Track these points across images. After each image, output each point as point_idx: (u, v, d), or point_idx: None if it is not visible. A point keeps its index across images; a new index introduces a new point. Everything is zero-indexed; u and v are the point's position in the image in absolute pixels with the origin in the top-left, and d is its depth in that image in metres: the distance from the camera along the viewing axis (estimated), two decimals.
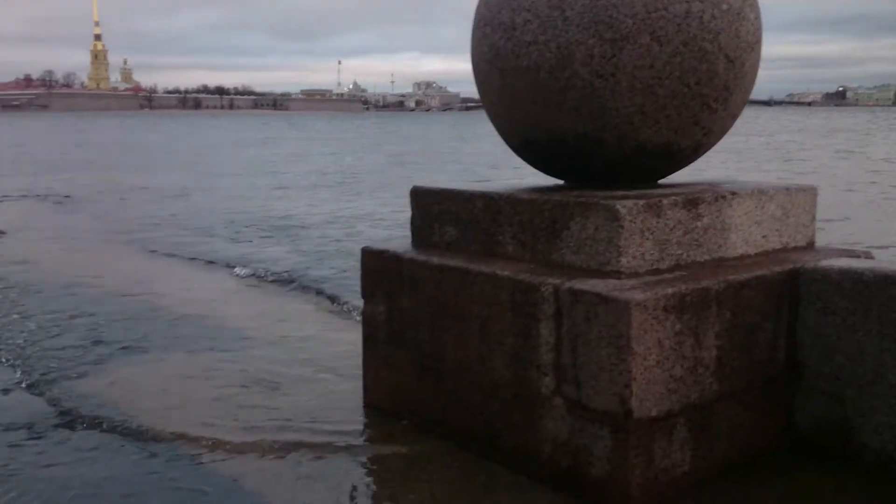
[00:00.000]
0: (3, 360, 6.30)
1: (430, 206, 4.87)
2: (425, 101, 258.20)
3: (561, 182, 4.90)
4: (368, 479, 4.25)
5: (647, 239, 3.97)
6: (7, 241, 12.29)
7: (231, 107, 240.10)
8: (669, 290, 3.77)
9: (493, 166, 27.11)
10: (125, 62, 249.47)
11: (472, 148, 42.57)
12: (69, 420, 5.03)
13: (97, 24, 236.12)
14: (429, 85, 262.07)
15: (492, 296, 4.18)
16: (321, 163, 32.47)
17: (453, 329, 4.45)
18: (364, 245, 5.17)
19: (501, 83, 4.49)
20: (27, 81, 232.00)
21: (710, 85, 4.26)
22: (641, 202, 3.95)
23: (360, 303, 5.21)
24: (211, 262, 10.37)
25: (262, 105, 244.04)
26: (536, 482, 4.04)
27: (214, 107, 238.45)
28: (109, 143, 51.95)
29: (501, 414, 4.22)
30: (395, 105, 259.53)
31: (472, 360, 4.35)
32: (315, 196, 19.63)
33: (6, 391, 5.61)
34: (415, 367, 4.74)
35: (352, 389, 5.43)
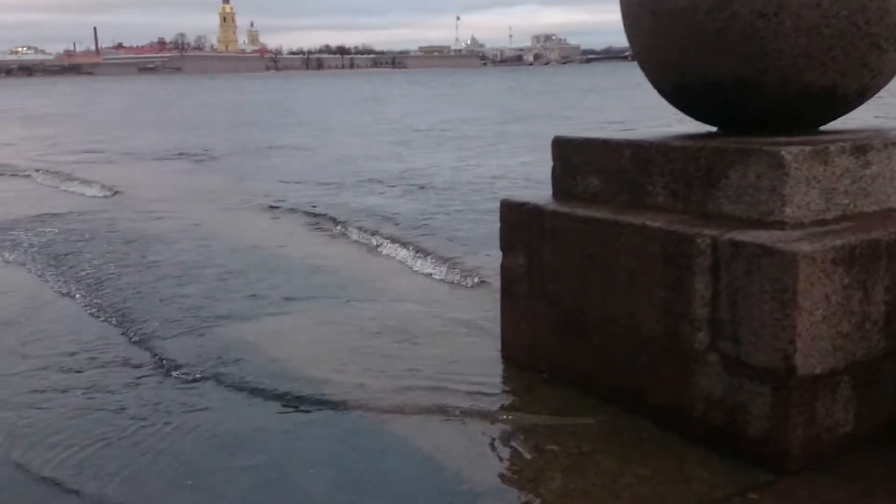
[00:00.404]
0: (141, 313, 6.59)
1: (572, 156, 4.74)
2: (544, 54, 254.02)
3: (713, 129, 4.66)
4: (514, 434, 4.23)
5: (813, 188, 3.73)
6: (148, 196, 12.93)
7: (351, 66, 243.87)
8: (838, 242, 3.54)
9: (620, 121, 26.42)
10: (252, 24, 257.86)
11: (594, 102, 41.64)
12: (216, 373, 5.23)
13: None
14: (548, 38, 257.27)
15: (641, 248, 4.04)
16: (441, 119, 32.52)
17: (598, 282, 4.34)
18: (502, 198, 5.11)
19: (653, 25, 4.29)
20: (161, 45, 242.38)
21: (880, 24, 3.94)
22: (807, 149, 3.70)
23: (487, 260, 5.19)
24: (340, 220, 10.54)
25: (381, 63, 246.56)
26: (687, 439, 3.92)
27: (336, 66, 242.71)
28: (239, 103, 53.76)
29: (649, 369, 4.10)
30: (512, 59, 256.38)
31: (619, 314, 4.24)
32: (438, 151, 19.68)
33: (147, 342, 5.87)
34: (556, 320, 4.67)
35: (485, 343, 5.45)
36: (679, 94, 4.54)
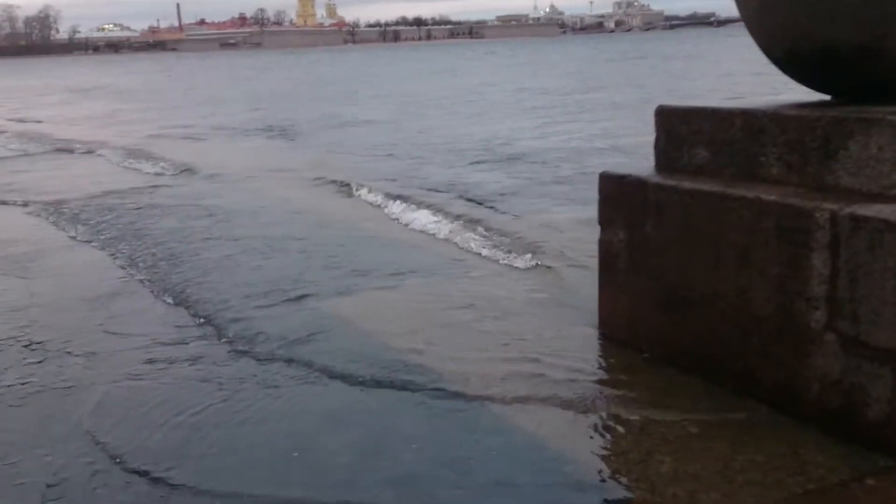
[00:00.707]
0: (231, 287, 6.71)
1: (677, 126, 4.58)
2: (625, 20, 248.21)
3: (827, 98, 4.42)
4: (616, 415, 4.14)
5: None
6: (237, 170, 13.17)
7: (428, 37, 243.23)
8: None
9: (712, 89, 25.61)
10: None
11: (679, 69, 40.46)
12: (312, 349, 5.29)
13: None
14: (629, 3, 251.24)
15: (753, 222, 3.88)
16: (520, 87, 32.14)
17: (705, 258, 4.19)
18: (602, 171, 4.98)
19: None
20: (242, 20, 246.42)
21: None
22: None
23: (578, 236, 5.05)
24: (422, 196, 10.50)
25: (458, 34, 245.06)
26: (800, 421, 3.77)
27: (412, 38, 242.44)
28: (319, 77, 54.28)
29: (760, 349, 3.95)
30: (593, 27, 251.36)
31: (727, 291, 4.08)
32: (519, 121, 19.44)
33: (237, 319, 5.96)
34: (658, 297, 4.55)
35: (581, 319, 5.36)
36: (791, 61, 4.31)
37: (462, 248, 7.72)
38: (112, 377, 4.92)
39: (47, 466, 3.90)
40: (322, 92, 36.26)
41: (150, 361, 5.14)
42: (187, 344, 5.38)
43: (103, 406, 4.54)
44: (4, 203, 10.87)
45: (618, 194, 4.76)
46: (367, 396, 4.54)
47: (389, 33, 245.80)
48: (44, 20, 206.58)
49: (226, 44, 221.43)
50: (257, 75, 60.63)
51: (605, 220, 4.90)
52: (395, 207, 9.52)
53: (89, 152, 16.45)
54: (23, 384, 4.84)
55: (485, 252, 7.50)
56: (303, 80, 50.68)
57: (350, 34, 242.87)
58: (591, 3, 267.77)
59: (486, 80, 40.56)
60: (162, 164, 14.03)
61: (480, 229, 8.33)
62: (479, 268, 7.06)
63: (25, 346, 5.46)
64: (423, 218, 8.90)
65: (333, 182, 11.65)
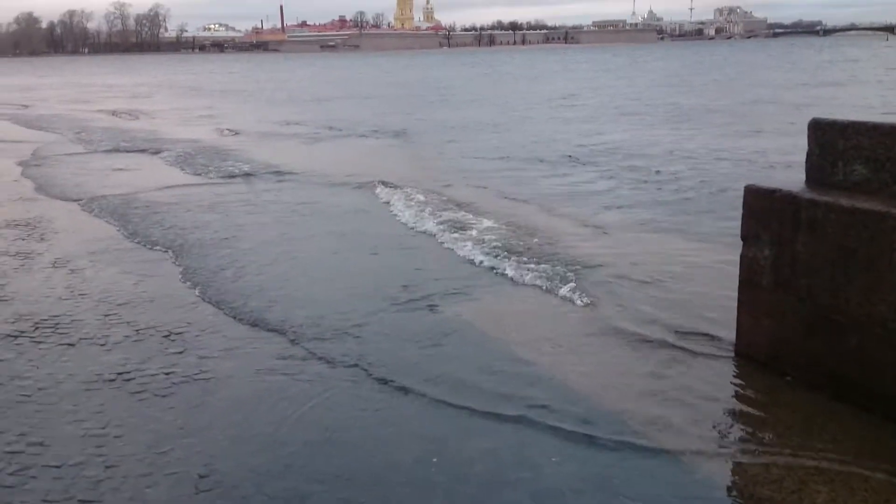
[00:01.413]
0: (347, 292, 6.85)
1: (834, 141, 4.40)
2: (726, 28, 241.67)
3: None
4: (765, 441, 3.99)
5: None
6: (358, 169, 13.35)
7: (523, 42, 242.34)
8: None
9: (833, 98, 24.62)
10: (428, 2, 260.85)
11: (790, 78, 39.09)
12: (444, 355, 5.34)
13: None
14: (731, 10, 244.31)
15: None
16: (619, 94, 31.62)
17: (861, 279, 4.01)
18: (747, 184, 4.82)
19: None
20: (342, 23, 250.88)
21: None
22: None
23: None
24: (541, 202, 10.44)
25: (553, 39, 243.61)
26: None
27: (507, 42, 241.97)
28: (419, 80, 54.72)
29: None
30: (692, 34, 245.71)
31: (886, 315, 3.90)
32: (626, 128, 19.10)
33: (360, 324, 6.06)
34: (807, 317, 4.37)
35: (709, 331, 5.24)
36: None
37: (596, 255, 7.62)
38: (247, 372, 5.06)
39: (197, 456, 4.03)
40: (425, 95, 36.51)
41: (282, 357, 5.27)
42: (324, 340, 5.51)
43: (242, 399, 4.67)
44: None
45: (765, 209, 4.60)
46: (505, 406, 4.51)
47: (485, 37, 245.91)
48: (153, 18, 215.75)
49: (325, 45, 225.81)
50: (359, 76, 61.57)
51: (750, 235, 4.74)
52: (520, 211, 9.49)
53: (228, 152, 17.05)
54: (167, 374, 5.02)
55: (620, 260, 7.37)
56: (406, 82, 51.16)
57: (445, 38, 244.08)
58: (691, 9, 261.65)
59: (588, 85, 40.11)
60: (288, 161, 14.36)
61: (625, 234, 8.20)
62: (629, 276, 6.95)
63: (165, 337, 5.67)
64: (554, 225, 8.85)
65: (455, 185, 11.66)
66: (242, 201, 10.70)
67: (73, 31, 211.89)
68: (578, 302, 6.21)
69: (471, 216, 9.24)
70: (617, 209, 9.86)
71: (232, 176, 12.86)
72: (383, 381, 4.82)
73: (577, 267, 7.09)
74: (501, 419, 4.36)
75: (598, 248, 7.88)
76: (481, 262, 7.39)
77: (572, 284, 6.54)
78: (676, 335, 5.43)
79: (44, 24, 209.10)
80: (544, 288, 6.61)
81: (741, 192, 4.77)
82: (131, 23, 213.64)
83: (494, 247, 7.76)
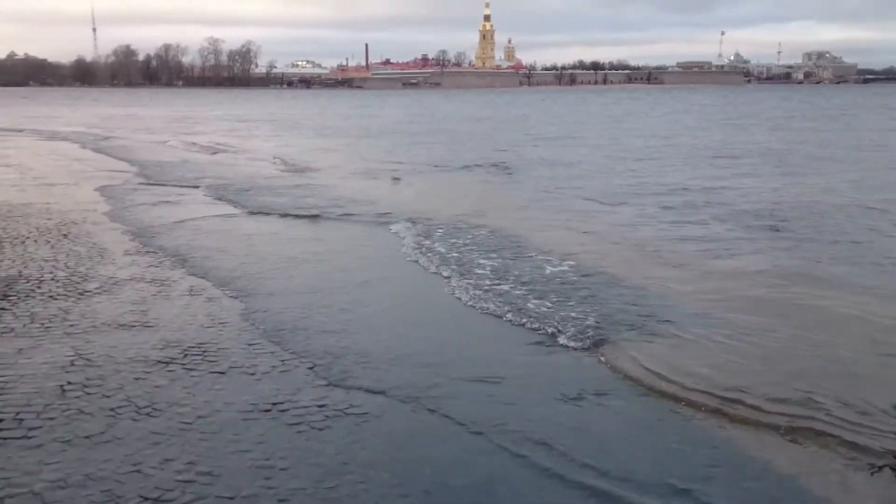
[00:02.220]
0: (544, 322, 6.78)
1: None
2: (815, 72, 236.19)
3: None
4: None
5: None
6: (467, 207, 13.38)
7: (604, 82, 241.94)
8: None
9: None
10: (509, 41, 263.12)
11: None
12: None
13: (487, 5, 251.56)
14: (821, 55, 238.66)
15: None
16: (723, 138, 30.99)
17: None
18: None
19: None
20: (424, 61, 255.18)
21: None
22: None
23: None
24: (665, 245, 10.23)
25: (636, 79, 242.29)
26: None
27: (588, 82, 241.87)
28: (504, 117, 54.96)
29: None
30: (780, 77, 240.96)
31: None
32: (748, 177, 18.60)
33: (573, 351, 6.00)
34: None
35: None
36: None
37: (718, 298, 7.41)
38: (399, 408, 5.04)
39: (365, 494, 4.00)
40: (512, 130, 36.56)
41: (433, 386, 5.24)
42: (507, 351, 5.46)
43: (398, 436, 4.64)
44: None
45: None
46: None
47: (565, 76, 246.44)
48: (245, 54, 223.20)
49: (407, 83, 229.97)
50: (447, 113, 62.20)
51: None
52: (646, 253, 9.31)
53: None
54: (319, 406, 5.03)
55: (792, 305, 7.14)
56: (495, 120, 51.46)
57: (526, 76, 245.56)
58: (779, 53, 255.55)
59: (677, 127, 39.56)
60: (406, 199, 14.52)
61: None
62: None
63: (310, 368, 5.70)
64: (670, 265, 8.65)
65: (565, 222, 11.59)
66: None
67: (169, 64, 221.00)
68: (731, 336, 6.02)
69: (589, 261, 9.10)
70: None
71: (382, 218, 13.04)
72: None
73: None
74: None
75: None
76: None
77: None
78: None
79: (140, 57, 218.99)
80: None
81: None
82: (224, 58, 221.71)
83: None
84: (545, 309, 7.15)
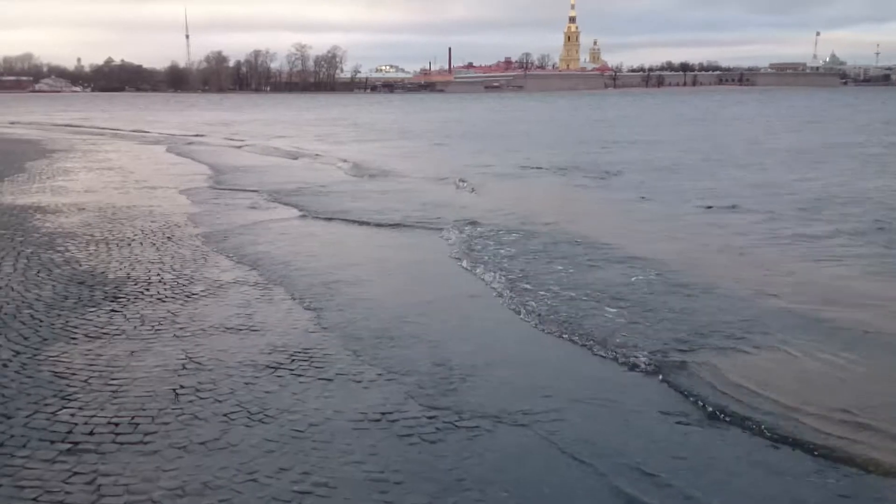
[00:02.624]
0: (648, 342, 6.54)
1: None
2: None
3: None
4: None
5: None
6: (569, 211, 13.14)
7: (694, 83, 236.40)
8: None
9: None
10: (595, 43, 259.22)
11: None
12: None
13: (573, 6, 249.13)
14: None
15: None
16: (822, 139, 29.76)
17: None
18: None
19: None
20: (507, 64, 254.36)
21: None
22: None
23: None
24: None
25: (727, 81, 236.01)
26: None
27: (677, 84, 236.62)
28: (599, 120, 54.27)
29: None
30: (878, 79, 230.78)
31: None
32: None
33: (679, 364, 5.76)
34: None
35: None
36: None
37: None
38: (511, 423, 4.88)
39: None
40: (606, 135, 36.00)
41: (535, 404, 5.06)
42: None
43: (511, 452, 4.50)
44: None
45: None
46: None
47: (653, 78, 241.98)
48: (331, 60, 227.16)
49: (490, 86, 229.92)
50: (529, 115, 61.83)
51: None
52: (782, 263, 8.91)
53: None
54: (429, 418, 4.92)
55: None
56: (585, 122, 50.87)
57: (612, 78, 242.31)
58: (877, 54, 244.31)
59: (774, 127, 38.24)
60: (507, 203, 14.40)
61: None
62: None
63: (417, 378, 5.59)
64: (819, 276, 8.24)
65: (691, 230, 11.24)
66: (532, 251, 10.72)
67: (258, 70, 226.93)
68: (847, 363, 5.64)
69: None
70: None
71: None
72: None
73: None
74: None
75: None
76: None
77: None
78: None
79: (231, 63, 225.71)
80: None
81: None
82: (310, 63, 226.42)
83: None
84: (640, 325, 6.87)
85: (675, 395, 5.37)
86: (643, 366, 5.86)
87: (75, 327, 6.58)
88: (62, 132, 38.40)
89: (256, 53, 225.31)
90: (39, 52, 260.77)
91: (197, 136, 35.73)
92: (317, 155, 24.52)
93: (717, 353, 6.09)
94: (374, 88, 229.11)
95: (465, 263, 9.17)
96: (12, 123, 47.49)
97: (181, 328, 6.63)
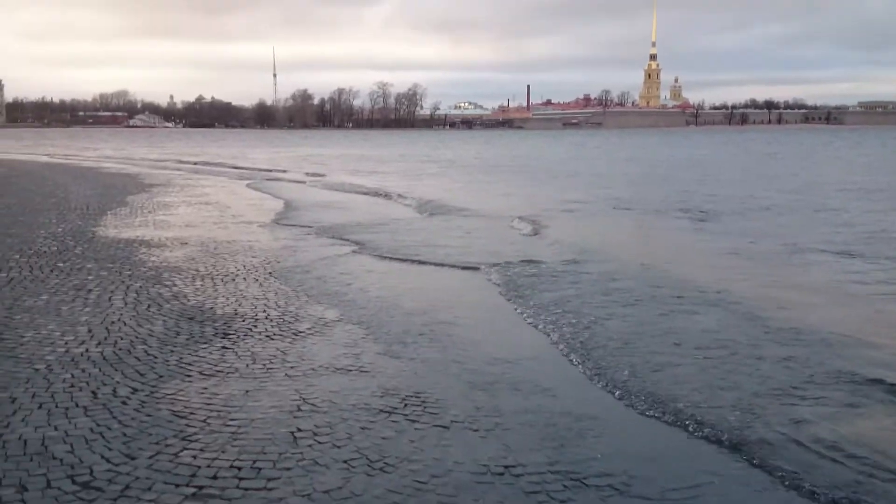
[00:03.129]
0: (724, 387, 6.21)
1: None
2: None
3: None
4: None
5: None
6: (668, 255, 12.81)
7: (779, 121, 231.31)
8: None
9: None
10: (676, 80, 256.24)
11: None
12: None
13: (654, 44, 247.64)
14: None
15: None
16: None
17: None
18: None
19: None
20: (586, 101, 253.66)
21: None
22: None
23: None
24: None
25: (814, 119, 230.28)
26: None
27: (761, 121, 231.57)
28: (672, 157, 53.40)
29: None
30: None
31: None
32: None
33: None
34: None
35: None
36: None
37: None
38: (673, 481, 4.62)
39: None
40: (688, 173, 35.27)
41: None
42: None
43: None
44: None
45: None
46: None
47: (736, 115, 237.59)
48: (411, 97, 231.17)
49: (568, 123, 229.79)
50: (609, 152, 61.25)
51: None
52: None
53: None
54: (554, 473, 4.70)
55: None
56: (651, 157, 50.10)
57: (693, 116, 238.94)
58: None
59: (876, 166, 36.82)
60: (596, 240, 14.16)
61: None
62: None
63: (544, 427, 5.38)
64: None
65: (801, 277, 10.80)
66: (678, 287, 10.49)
67: (341, 107, 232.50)
68: None
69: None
70: None
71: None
72: None
73: None
74: None
75: None
76: None
77: None
78: None
79: (315, 101, 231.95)
80: None
81: None
82: (391, 101, 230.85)
83: None
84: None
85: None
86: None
87: (189, 364, 6.61)
88: (157, 167, 39.76)
89: (340, 91, 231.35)
90: (135, 90, 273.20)
91: (283, 171, 36.54)
92: (400, 195, 24.69)
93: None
94: (452, 125, 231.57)
95: (561, 309, 8.94)
96: (107, 158, 49.51)
97: (292, 367, 6.58)
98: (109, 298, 8.88)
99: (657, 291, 9.67)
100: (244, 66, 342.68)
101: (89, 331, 7.51)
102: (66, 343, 7.09)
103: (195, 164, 43.46)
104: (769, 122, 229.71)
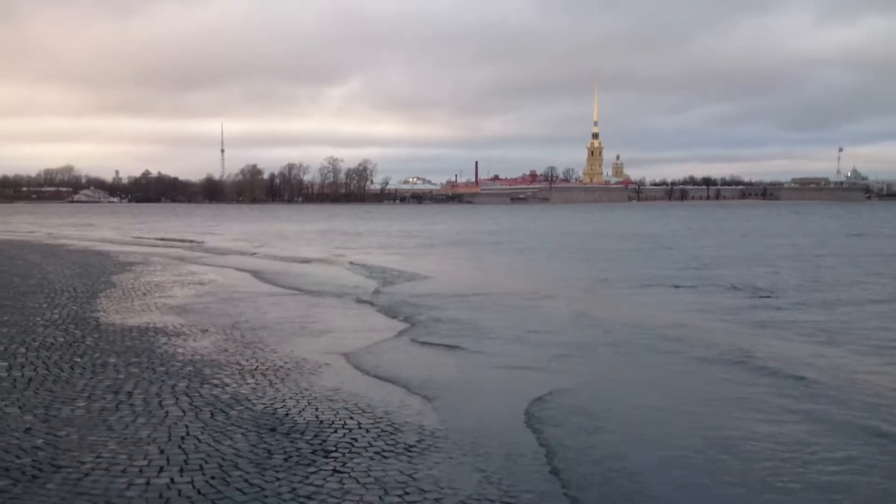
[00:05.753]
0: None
1: None
2: None
3: None
4: None
5: None
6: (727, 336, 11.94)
7: (717, 197, 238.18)
8: None
9: None
10: (618, 157, 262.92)
11: None
12: None
13: (596, 123, 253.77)
14: None
15: None
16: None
17: None
18: None
19: None
20: (532, 177, 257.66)
21: None
22: None
23: None
24: None
25: (750, 195, 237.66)
26: None
27: (700, 197, 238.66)
28: (632, 233, 53.35)
29: None
30: None
31: None
32: None
33: None
34: None
35: None
36: None
37: None
38: None
39: None
40: (662, 250, 34.88)
41: None
42: None
43: None
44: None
45: None
46: None
47: (676, 191, 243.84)
48: (361, 172, 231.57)
49: (515, 198, 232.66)
50: (564, 227, 61.14)
51: None
52: None
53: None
54: None
55: None
56: (611, 233, 49.95)
57: (635, 191, 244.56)
58: None
59: (837, 241, 37.03)
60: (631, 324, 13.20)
61: None
62: None
63: None
64: None
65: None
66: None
67: (291, 182, 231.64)
68: None
69: None
70: None
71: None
72: None
73: None
74: None
75: None
76: None
77: None
78: None
79: (265, 175, 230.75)
80: None
81: None
82: (342, 176, 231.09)
83: None
84: None
85: None
86: None
87: (309, 497, 5.30)
88: (120, 244, 37.85)
89: (290, 166, 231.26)
90: (80, 165, 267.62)
91: (258, 246, 35.09)
92: (401, 270, 23.51)
93: None
94: (402, 199, 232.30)
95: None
96: (64, 236, 47.25)
97: (436, 500, 5.33)
98: (160, 404, 7.50)
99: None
100: (192, 142, 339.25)
101: (161, 451, 6.14)
102: (140, 472, 5.68)
103: (161, 239, 41.54)
104: (708, 197, 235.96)
